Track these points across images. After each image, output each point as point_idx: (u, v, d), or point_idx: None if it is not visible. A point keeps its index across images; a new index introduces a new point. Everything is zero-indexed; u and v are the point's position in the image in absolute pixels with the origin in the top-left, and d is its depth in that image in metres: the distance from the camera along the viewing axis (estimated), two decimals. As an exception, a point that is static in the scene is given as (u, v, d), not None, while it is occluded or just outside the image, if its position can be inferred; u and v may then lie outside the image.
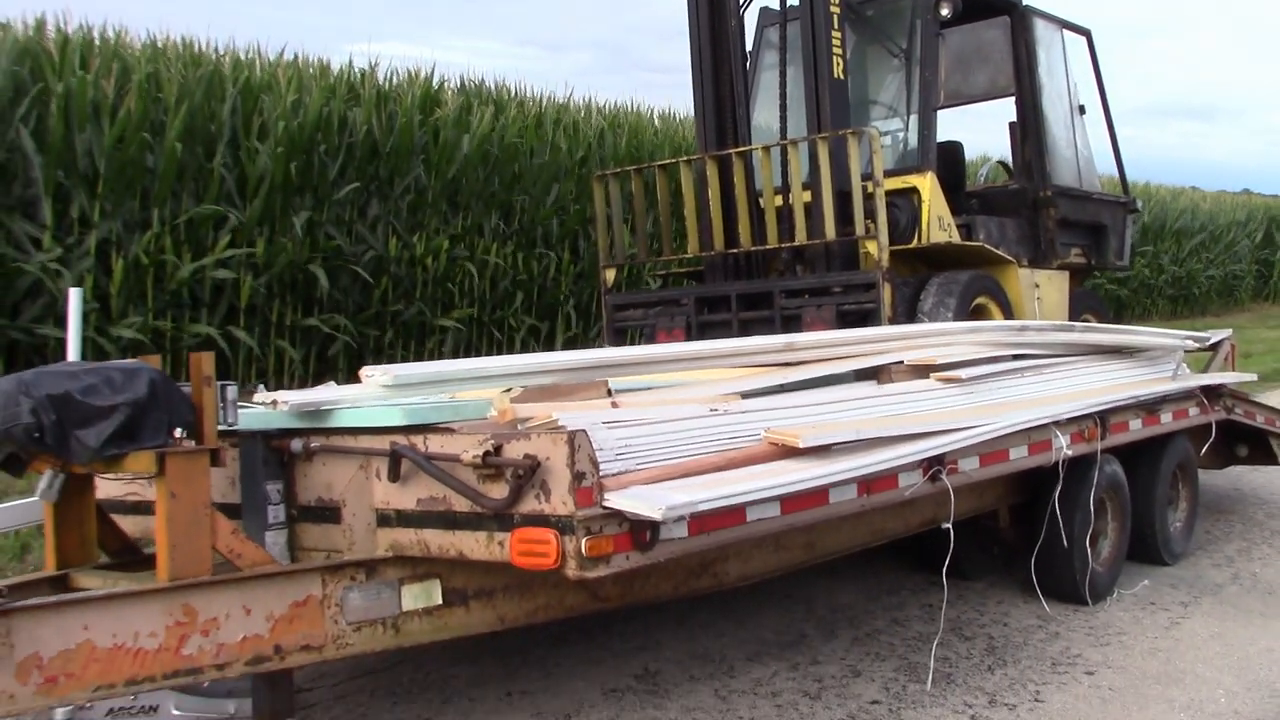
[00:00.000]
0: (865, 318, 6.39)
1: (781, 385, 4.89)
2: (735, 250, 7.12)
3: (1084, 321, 7.79)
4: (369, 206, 10.81)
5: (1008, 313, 7.22)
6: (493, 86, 13.54)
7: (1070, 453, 5.40)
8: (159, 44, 10.62)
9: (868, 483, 4.20)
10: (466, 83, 13.30)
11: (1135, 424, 6.07)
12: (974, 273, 7.07)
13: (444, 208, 11.48)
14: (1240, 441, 7.85)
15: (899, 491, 4.40)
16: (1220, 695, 4.69)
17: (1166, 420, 6.39)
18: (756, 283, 7.10)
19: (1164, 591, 6.12)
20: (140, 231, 9.11)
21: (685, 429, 3.84)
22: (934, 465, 4.51)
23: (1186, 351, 7.27)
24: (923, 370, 5.20)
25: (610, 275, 7.66)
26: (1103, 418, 5.70)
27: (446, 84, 12.73)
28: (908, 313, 6.70)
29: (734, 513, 3.63)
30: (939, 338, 5.64)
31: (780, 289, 6.82)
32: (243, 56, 11.03)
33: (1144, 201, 25.03)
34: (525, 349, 11.72)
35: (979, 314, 6.98)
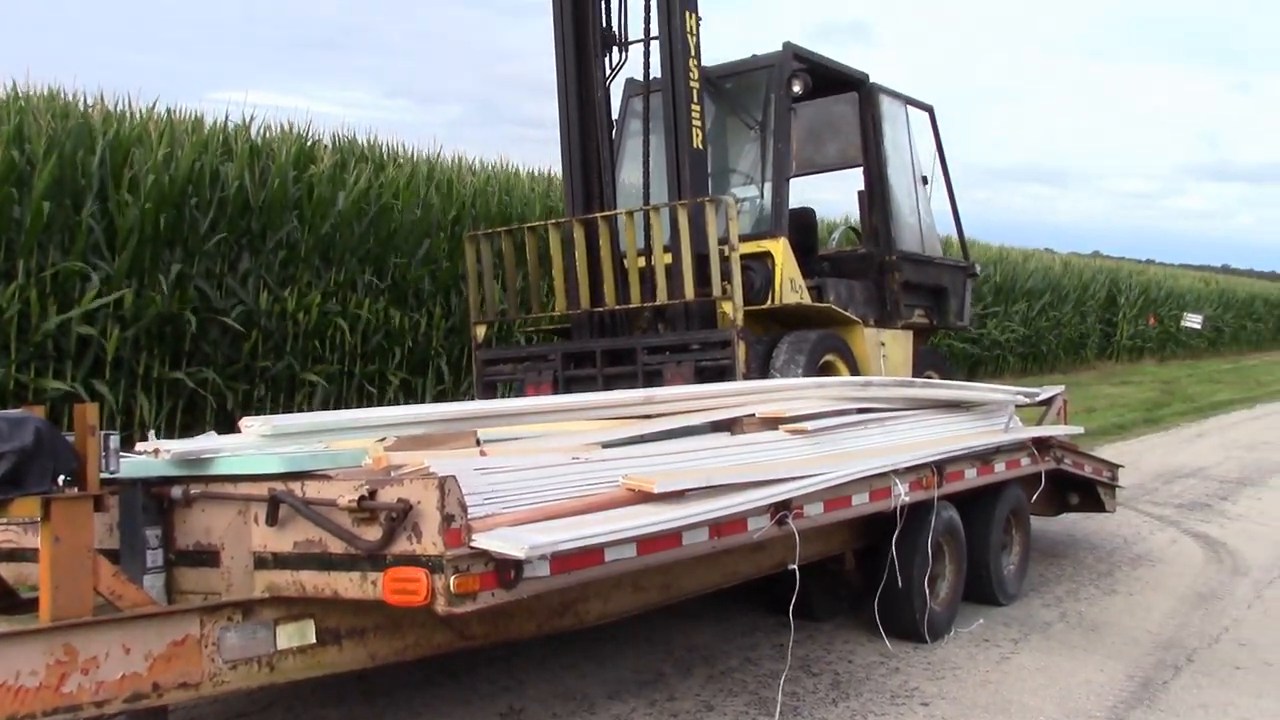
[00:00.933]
0: (722, 373, 6.76)
1: (641, 436, 5.21)
2: (601, 309, 7.47)
3: (927, 377, 8.30)
4: (240, 260, 10.85)
5: (854, 369, 7.68)
6: (365, 143, 13.72)
7: (908, 499, 5.80)
8: (24, 94, 10.56)
9: (718, 526, 4.53)
10: (339, 139, 13.47)
11: (970, 473, 6.52)
12: (823, 332, 7.53)
13: (316, 262, 11.56)
14: (1072, 490, 8.40)
15: (748, 535, 4.74)
16: (1041, 721, 5.11)
17: (1000, 469, 6.86)
18: (620, 340, 7.46)
19: (997, 629, 6.56)
20: (4, 283, 9.05)
21: (548, 476, 4.12)
22: (780, 510, 4.85)
23: (1020, 406, 7.79)
24: (772, 422, 5.57)
25: (481, 331, 7.93)
26: (939, 467, 6.12)
27: (320, 140, 12.86)
28: (761, 369, 7.11)
29: (593, 553, 3.93)
30: (789, 392, 6.03)
31: (643, 345, 7.18)
32: (113, 109, 11.02)
33: (996, 262, 26.28)
34: (396, 403, 11.83)
35: (828, 370, 7.42)
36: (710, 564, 5.15)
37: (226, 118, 11.90)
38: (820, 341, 7.36)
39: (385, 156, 13.56)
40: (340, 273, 11.72)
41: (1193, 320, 35.98)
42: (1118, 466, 8.71)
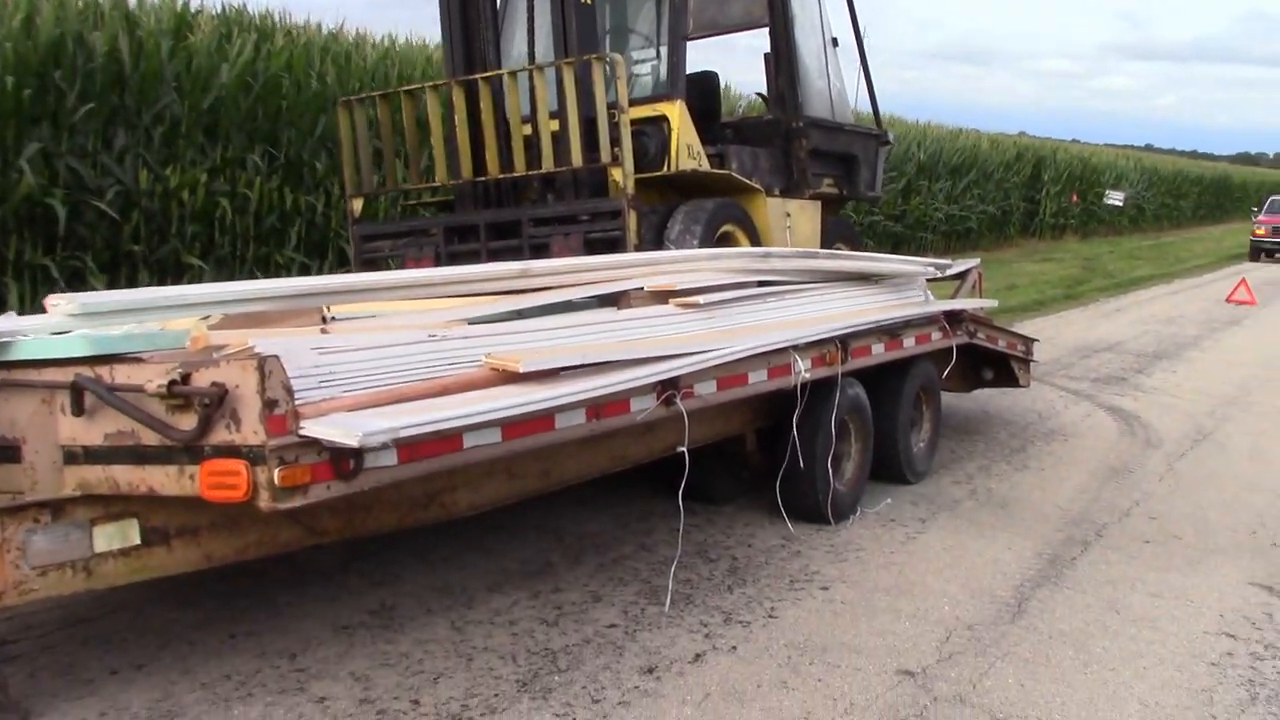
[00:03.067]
0: (613, 245, 6.33)
1: (519, 311, 4.82)
2: (484, 179, 6.96)
3: (836, 249, 7.94)
4: (115, 137, 10.15)
5: (755, 240, 7.27)
6: (255, 14, 12.88)
7: (810, 376, 5.49)
8: None
9: (597, 407, 4.17)
10: (226, 8, 12.63)
11: (877, 348, 6.23)
12: (720, 200, 7.09)
13: (200, 139, 10.88)
14: (986, 365, 8.19)
15: (631, 416, 4.38)
16: (945, 604, 4.89)
17: (909, 345, 6.57)
18: (505, 211, 6.97)
19: (904, 508, 6.35)
20: None
21: (399, 355, 3.73)
22: (668, 389, 4.51)
23: (932, 280, 7.49)
24: (662, 296, 5.20)
25: (358, 205, 7.40)
26: (844, 342, 5.80)
27: (204, 8, 12.02)
28: (655, 240, 6.69)
29: (448, 439, 3.55)
30: (682, 264, 5.65)
31: (529, 217, 6.72)
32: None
33: (921, 140, 25.94)
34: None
35: (726, 241, 7.00)
36: (594, 448, 4.81)
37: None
38: (718, 210, 6.93)
39: (273, 27, 12.71)
40: (227, 150, 11.05)
41: (1115, 198, 36.23)
42: (1033, 341, 8.50)
